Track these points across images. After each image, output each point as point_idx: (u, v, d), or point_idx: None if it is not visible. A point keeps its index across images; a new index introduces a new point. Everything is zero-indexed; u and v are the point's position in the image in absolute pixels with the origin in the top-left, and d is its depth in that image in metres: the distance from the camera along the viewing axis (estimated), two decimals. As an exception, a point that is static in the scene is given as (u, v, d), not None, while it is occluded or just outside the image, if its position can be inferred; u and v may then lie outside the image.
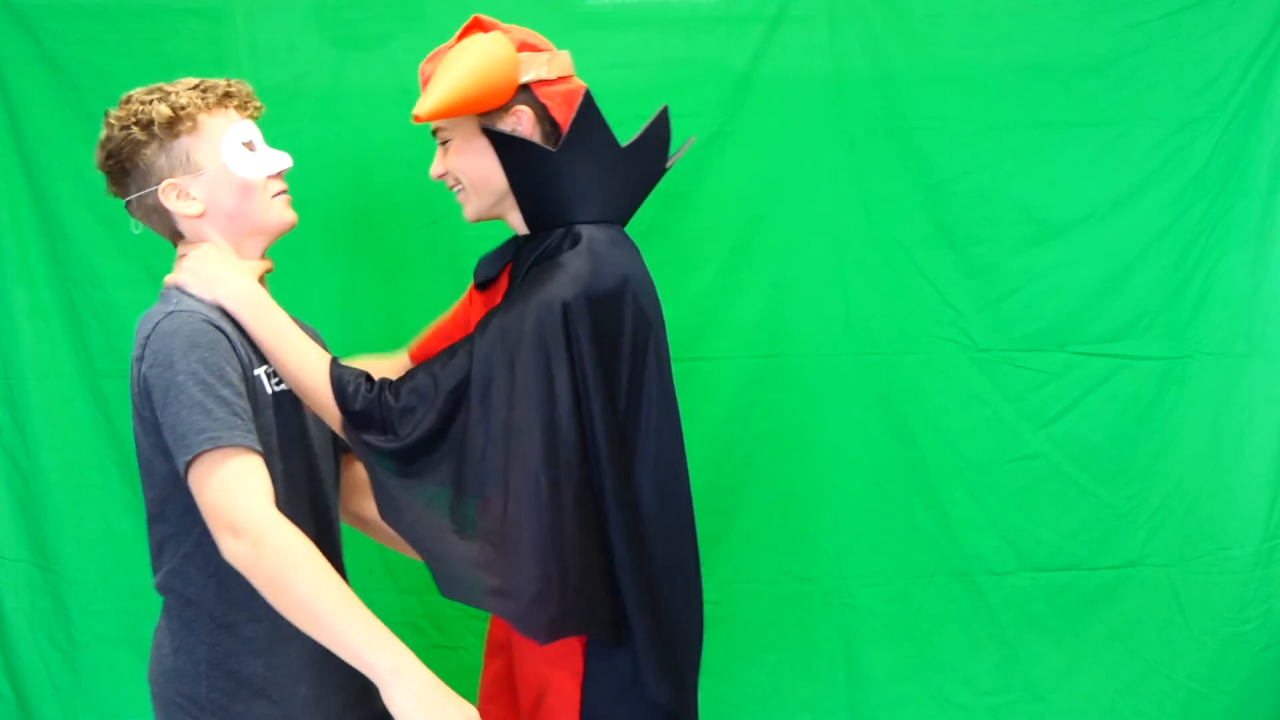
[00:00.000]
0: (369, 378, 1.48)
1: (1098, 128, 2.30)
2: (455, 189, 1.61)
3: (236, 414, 1.32)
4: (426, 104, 1.47)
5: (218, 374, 1.34)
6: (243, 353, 1.43)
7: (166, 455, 1.36)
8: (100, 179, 1.47)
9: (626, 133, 2.24)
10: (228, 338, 1.41)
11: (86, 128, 2.23)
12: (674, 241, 2.30)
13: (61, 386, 2.29)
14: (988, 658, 2.37)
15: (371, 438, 1.44)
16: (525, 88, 1.52)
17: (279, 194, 1.55)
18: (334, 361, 1.48)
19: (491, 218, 1.61)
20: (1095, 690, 2.37)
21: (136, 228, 1.58)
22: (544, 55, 1.55)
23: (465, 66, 1.48)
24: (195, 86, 1.51)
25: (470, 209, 1.60)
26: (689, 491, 1.57)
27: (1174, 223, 2.31)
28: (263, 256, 1.58)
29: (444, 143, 1.60)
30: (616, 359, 1.48)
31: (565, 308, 1.43)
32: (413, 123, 1.49)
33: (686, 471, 1.56)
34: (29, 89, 2.22)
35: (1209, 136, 2.29)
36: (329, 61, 2.25)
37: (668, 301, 2.30)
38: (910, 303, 2.32)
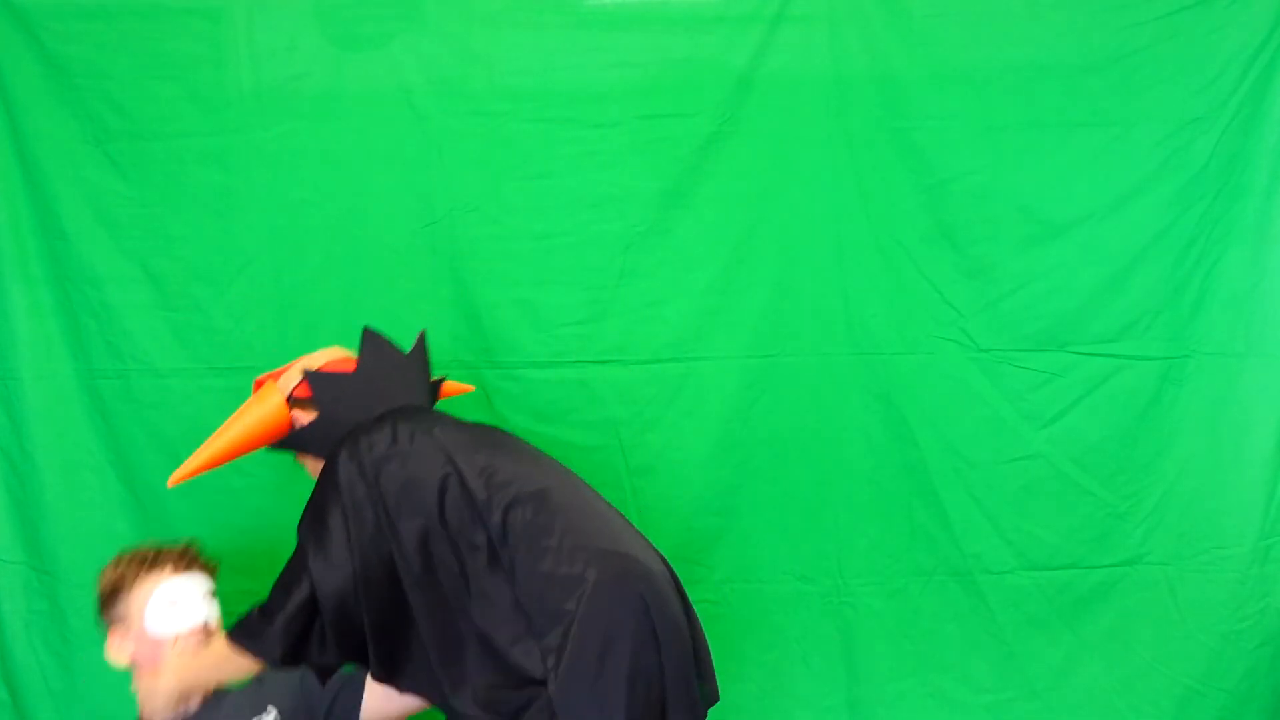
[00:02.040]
0: None
1: (1098, 128, 2.30)
2: None
3: None
4: (182, 469, 1.82)
5: None
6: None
7: None
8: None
9: (625, 132, 2.27)
10: None
11: (86, 128, 2.23)
12: (674, 241, 2.31)
13: (58, 387, 2.27)
14: (986, 656, 2.37)
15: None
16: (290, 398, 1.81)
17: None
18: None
19: None
20: (1092, 687, 2.37)
21: None
22: (297, 365, 1.84)
23: (225, 435, 1.82)
24: (145, 554, 1.83)
25: None
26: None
27: (1174, 223, 2.31)
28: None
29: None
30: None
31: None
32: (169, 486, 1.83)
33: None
34: (29, 89, 2.21)
35: (1209, 136, 2.29)
36: (329, 61, 2.25)
37: (668, 301, 2.32)
38: (910, 303, 2.32)
